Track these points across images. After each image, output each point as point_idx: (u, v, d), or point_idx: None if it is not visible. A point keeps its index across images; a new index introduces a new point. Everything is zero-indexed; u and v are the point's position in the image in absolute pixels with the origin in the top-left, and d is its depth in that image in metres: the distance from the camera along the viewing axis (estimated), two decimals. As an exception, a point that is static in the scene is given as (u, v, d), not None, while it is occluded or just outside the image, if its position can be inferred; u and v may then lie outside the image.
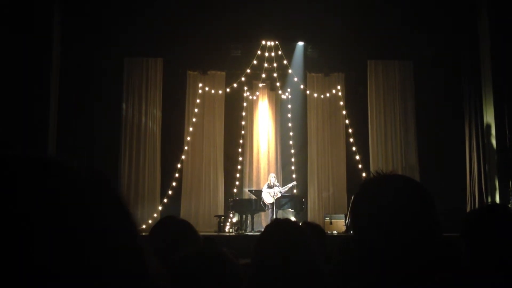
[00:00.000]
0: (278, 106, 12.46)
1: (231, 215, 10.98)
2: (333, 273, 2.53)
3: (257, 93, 12.23)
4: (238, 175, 11.83)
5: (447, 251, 2.69)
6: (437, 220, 1.16)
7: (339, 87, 12.24)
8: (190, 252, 1.63)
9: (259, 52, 11.68)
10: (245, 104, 12.11)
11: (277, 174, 11.62)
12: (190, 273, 1.55)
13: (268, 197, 10.67)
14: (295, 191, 11.47)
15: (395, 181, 1.22)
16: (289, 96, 12.21)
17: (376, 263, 1.12)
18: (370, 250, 1.13)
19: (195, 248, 1.69)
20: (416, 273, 1.11)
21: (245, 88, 12.05)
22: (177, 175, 11.46)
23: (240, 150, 11.97)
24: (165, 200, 11.26)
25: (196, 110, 11.87)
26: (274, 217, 10.63)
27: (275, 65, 11.75)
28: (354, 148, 11.85)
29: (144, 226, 10.56)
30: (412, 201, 1.17)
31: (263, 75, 11.87)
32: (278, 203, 10.72)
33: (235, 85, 11.85)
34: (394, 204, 1.15)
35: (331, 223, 10.69)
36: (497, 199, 9.71)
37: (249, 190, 11.48)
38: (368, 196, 1.20)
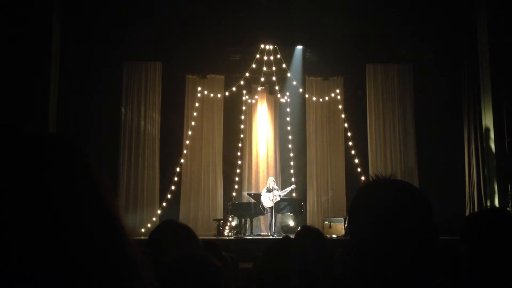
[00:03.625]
0: (277, 110, 12.47)
1: (230, 219, 10.97)
2: (336, 277, 2.53)
3: (256, 96, 12.25)
4: (237, 178, 11.82)
5: (446, 255, 2.69)
6: (435, 225, 1.16)
7: (338, 91, 12.26)
8: (175, 256, 1.63)
9: (258, 56, 11.70)
10: (244, 107, 12.12)
11: (276, 178, 11.62)
12: (175, 276, 1.56)
13: (267, 200, 10.66)
14: (294, 194, 11.46)
15: (394, 186, 1.22)
16: (288, 100, 12.22)
17: (374, 268, 1.11)
18: (368, 255, 1.12)
19: (181, 251, 1.70)
20: (415, 278, 1.11)
21: (244, 91, 12.06)
22: (176, 179, 11.45)
23: (239, 153, 11.97)
24: (164, 204, 11.25)
25: (195, 114, 11.88)
26: (274, 220, 10.62)
27: (274, 69, 11.77)
28: (353, 152, 11.86)
29: (143, 230, 10.56)
30: (411, 206, 1.16)
31: (262, 79, 11.88)
32: (277, 206, 10.71)
33: (234, 88, 11.87)
34: (393, 209, 1.14)
35: (330, 226, 10.68)
36: (496, 203, 9.71)
37: (248, 194, 11.48)
38: (366, 201, 1.19)
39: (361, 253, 1.13)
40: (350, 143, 11.93)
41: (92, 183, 0.59)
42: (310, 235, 3.53)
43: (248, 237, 10.29)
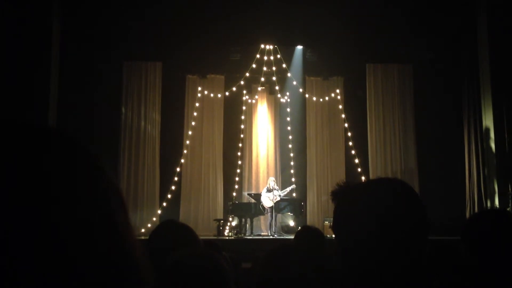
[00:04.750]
0: (277, 110, 12.46)
1: (230, 219, 10.96)
2: (335, 277, 2.52)
3: (256, 96, 12.25)
4: (237, 178, 11.81)
5: (446, 255, 2.69)
6: (429, 223, 1.15)
7: (338, 91, 12.25)
8: (178, 257, 1.63)
9: (258, 56, 11.70)
10: (244, 107, 12.12)
11: (276, 178, 11.61)
12: (182, 275, 1.56)
13: (267, 200, 10.66)
14: (294, 194, 11.46)
15: (390, 185, 1.20)
16: (288, 100, 12.21)
17: (375, 268, 1.11)
18: (368, 256, 1.11)
19: (184, 251, 1.70)
20: (415, 278, 1.11)
21: (244, 91, 12.05)
22: (176, 179, 11.44)
23: (239, 153, 11.96)
24: (164, 204, 11.24)
25: (195, 114, 11.88)
26: (274, 220, 10.63)
27: (274, 68, 11.77)
28: (353, 152, 11.85)
29: (143, 230, 10.56)
30: (409, 204, 1.15)
31: (262, 79, 11.89)
32: (277, 206, 10.70)
33: (234, 88, 11.86)
34: (393, 209, 1.13)
35: (330, 226, 10.66)
36: (496, 203, 9.71)
37: (248, 194, 11.47)
38: (365, 201, 1.17)
39: (361, 253, 1.12)
40: (350, 143, 11.93)
41: (95, 180, 0.58)
42: (310, 235, 3.52)
43: (248, 237, 10.28)
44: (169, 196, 11.30)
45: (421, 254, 1.12)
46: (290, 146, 12.12)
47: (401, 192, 1.17)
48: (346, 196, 1.19)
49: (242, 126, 12.07)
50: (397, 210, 1.13)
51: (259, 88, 12.13)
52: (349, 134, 11.97)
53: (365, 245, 1.10)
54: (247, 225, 10.71)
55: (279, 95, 12.12)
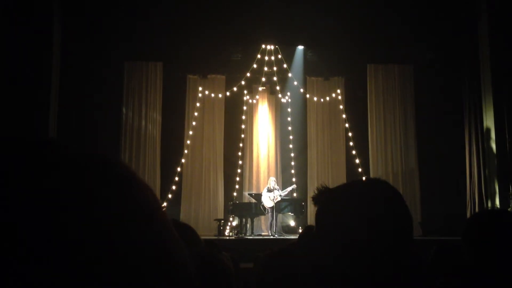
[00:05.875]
0: (278, 110, 12.46)
1: (231, 219, 10.97)
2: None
3: (257, 96, 12.25)
4: (238, 178, 11.82)
5: (448, 255, 2.69)
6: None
7: (339, 91, 12.25)
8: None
9: (259, 56, 11.70)
10: (245, 107, 12.12)
11: (277, 178, 11.61)
12: None
13: (267, 200, 10.65)
14: (295, 194, 11.46)
15: (382, 186, 1.19)
16: (289, 100, 12.22)
17: (374, 268, 1.10)
18: (366, 255, 1.11)
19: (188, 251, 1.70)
20: (412, 278, 1.10)
21: (245, 91, 12.06)
22: (177, 178, 11.45)
23: (240, 153, 11.97)
24: (165, 204, 11.24)
25: (196, 114, 11.88)
26: (274, 220, 10.61)
27: (275, 69, 11.77)
28: (354, 152, 11.85)
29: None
30: (400, 204, 1.15)
31: (263, 79, 11.88)
32: (278, 206, 10.70)
33: (235, 89, 11.86)
34: (388, 208, 1.13)
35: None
36: (497, 203, 9.70)
37: (249, 194, 11.47)
38: (357, 201, 1.15)
39: (349, 255, 1.11)
40: (351, 143, 11.92)
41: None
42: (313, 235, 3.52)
43: (248, 237, 10.28)
44: (169, 195, 11.30)
45: (408, 254, 1.11)
46: (290, 146, 12.12)
47: (386, 193, 1.16)
48: (330, 199, 1.18)
49: (243, 126, 12.07)
50: (383, 211, 1.12)
51: (260, 88, 12.13)
52: (350, 134, 11.97)
53: (353, 247, 1.10)
54: (248, 225, 10.71)
55: (280, 95, 12.12)
